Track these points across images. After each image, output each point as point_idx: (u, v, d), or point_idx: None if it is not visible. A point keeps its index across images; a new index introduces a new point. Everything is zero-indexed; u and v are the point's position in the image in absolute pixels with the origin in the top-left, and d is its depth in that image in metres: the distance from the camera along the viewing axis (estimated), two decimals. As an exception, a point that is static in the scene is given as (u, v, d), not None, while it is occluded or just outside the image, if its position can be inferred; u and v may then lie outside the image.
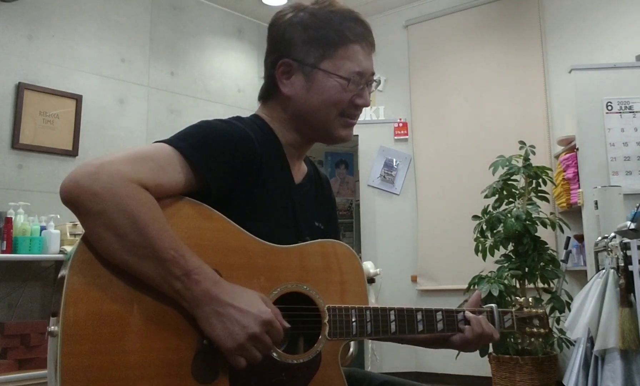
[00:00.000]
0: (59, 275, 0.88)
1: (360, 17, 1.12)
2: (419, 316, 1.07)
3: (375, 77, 1.14)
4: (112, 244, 0.84)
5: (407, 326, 1.06)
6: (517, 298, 1.24)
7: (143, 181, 0.87)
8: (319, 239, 1.07)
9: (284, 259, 0.99)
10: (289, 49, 1.08)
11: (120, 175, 0.85)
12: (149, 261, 0.84)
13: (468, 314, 1.12)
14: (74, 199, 0.84)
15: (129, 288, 0.86)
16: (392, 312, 1.05)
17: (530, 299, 1.24)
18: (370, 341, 4.00)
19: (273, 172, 1.05)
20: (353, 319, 1.01)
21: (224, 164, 0.96)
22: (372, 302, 1.09)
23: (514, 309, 1.19)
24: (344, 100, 1.08)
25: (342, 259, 1.05)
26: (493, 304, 1.17)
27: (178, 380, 0.86)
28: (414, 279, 4.52)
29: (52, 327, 0.84)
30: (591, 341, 2.68)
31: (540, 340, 1.21)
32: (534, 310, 1.21)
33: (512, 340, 3.18)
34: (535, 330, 1.19)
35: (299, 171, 1.17)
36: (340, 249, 1.06)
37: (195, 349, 0.88)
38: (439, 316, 1.09)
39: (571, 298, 3.22)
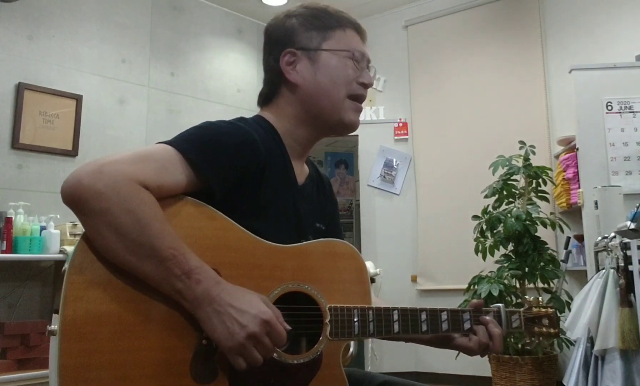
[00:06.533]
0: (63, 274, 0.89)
1: (352, 17, 1.18)
2: (423, 316, 1.05)
3: (371, 65, 1.17)
4: (113, 243, 0.84)
5: (411, 326, 1.04)
6: (527, 297, 1.19)
7: (145, 181, 0.87)
8: (322, 239, 1.06)
9: (286, 258, 0.99)
10: (291, 39, 1.12)
11: (123, 175, 0.85)
12: (150, 260, 0.85)
13: (483, 319, 1.09)
14: (77, 197, 0.84)
15: (128, 287, 0.86)
16: (395, 312, 1.03)
17: (540, 298, 1.19)
18: (370, 341, 4.00)
19: (276, 173, 1.05)
20: (355, 319, 1.00)
21: (226, 166, 0.96)
22: (375, 300, 1.08)
23: (522, 309, 1.15)
24: (351, 77, 1.11)
25: (345, 259, 1.04)
26: (500, 304, 1.13)
27: (177, 380, 0.86)
28: (414, 279, 4.52)
29: (53, 326, 0.84)
30: (591, 341, 2.68)
31: (550, 341, 1.16)
32: (544, 310, 1.16)
33: (512, 339, 3.18)
34: (544, 329, 1.14)
35: (301, 172, 1.16)
36: (343, 248, 1.05)
37: (193, 349, 0.88)
38: (444, 316, 1.07)
39: (571, 298, 3.22)
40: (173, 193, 0.93)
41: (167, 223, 0.88)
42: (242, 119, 1.08)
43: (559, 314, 3.21)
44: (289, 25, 1.12)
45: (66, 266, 0.86)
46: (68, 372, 0.80)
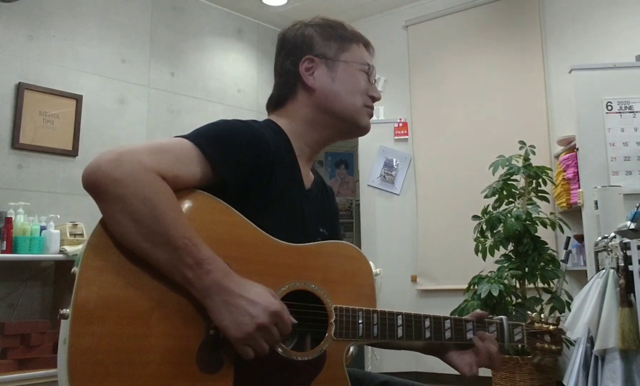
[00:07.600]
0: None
1: (363, 34, 1.26)
2: (427, 323, 1.07)
3: (377, 77, 1.25)
4: (129, 229, 0.86)
5: (415, 332, 1.06)
6: (529, 313, 1.20)
7: (162, 171, 0.90)
8: (330, 240, 1.10)
9: (294, 257, 1.01)
10: (310, 46, 1.18)
11: (140, 164, 0.88)
12: (163, 248, 0.87)
13: (482, 334, 1.10)
14: (96, 183, 0.86)
15: (140, 274, 0.88)
16: (399, 317, 1.05)
17: (543, 314, 1.19)
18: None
19: (285, 173, 1.07)
20: (360, 321, 1.02)
21: (240, 161, 0.99)
22: None
23: (524, 323, 1.16)
24: (365, 88, 1.19)
25: (352, 262, 1.07)
26: (503, 316, 1.15)
27: (182, 368, 0.88)
28: (414, 279, 4.52)
29: (65, 310, 0.86)
30: (591, 341, 2.68)
31: (552, 356, 1.16)
32: (546, 326, 1.17)
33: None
34: (546, 346, 1.15)
35: (308, 177, 1.19)
36: (350, 251, 1.08)
37: (201, 338, 0.90)
38: (447, 324, 1.09)
39: (571, 298, 3.22)
40: (188, 185, 0.95)
41: (181, 213, 0.91)
42: (254, 121, 1.11)
43: (559, 315, 3.20)
44: (308, 34, 1.19)
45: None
46: (77, 353, 0.81)
